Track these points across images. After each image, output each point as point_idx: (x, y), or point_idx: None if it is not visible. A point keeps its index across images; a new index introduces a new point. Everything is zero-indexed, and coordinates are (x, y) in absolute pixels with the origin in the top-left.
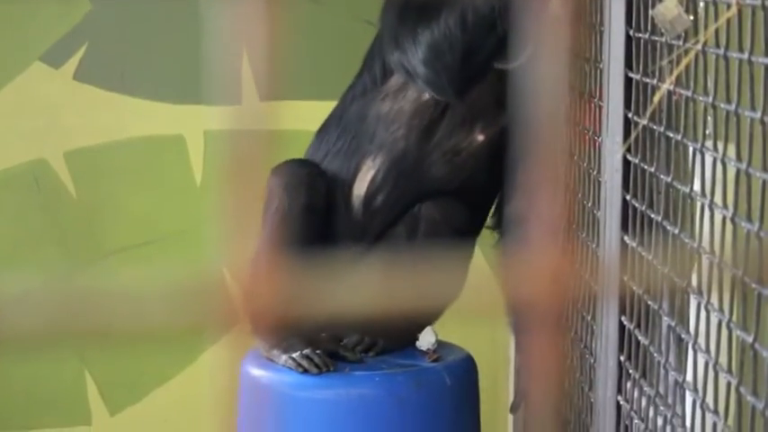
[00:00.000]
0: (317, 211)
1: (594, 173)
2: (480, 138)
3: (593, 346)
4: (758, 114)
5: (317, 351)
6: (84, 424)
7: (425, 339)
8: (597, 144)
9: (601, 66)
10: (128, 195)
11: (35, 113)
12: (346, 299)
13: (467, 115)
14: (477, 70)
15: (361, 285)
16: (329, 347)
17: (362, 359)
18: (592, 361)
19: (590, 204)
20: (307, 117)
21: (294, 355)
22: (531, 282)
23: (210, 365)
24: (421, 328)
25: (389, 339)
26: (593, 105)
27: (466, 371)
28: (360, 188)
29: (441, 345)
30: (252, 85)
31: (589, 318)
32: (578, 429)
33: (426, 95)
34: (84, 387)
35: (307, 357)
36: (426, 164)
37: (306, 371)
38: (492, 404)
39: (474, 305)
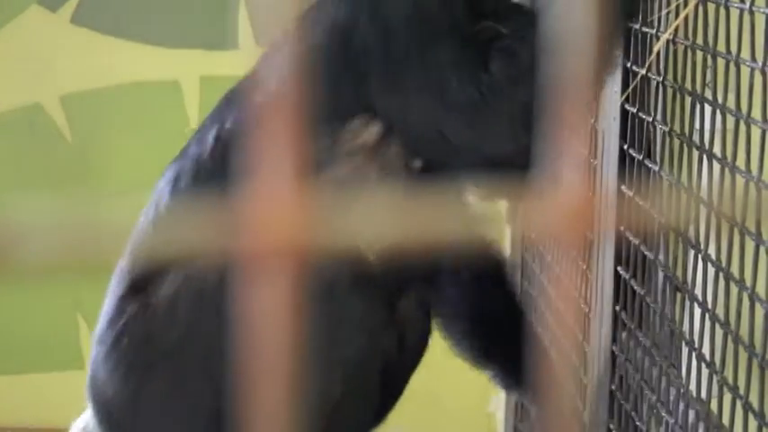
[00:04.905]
0: None
1: (592, 122)
2: None
3: (588, 295)
4: (758, 64)
5: None
6: (77, 368)
7: None
8: None
9: None
10: (123, 140)
11: (32, 57)
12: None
13: None
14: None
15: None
16: None
17: None
18: (586, 310)
19: (587, 153)
20: None
21: None
22: (556, 216)
23: None
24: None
25: None
26: None
27: None
28: None
29: None
30: (248, 30)
31: (584, 266)
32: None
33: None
34: (76, 331)
35: None
36: None
37: None
38: None
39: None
